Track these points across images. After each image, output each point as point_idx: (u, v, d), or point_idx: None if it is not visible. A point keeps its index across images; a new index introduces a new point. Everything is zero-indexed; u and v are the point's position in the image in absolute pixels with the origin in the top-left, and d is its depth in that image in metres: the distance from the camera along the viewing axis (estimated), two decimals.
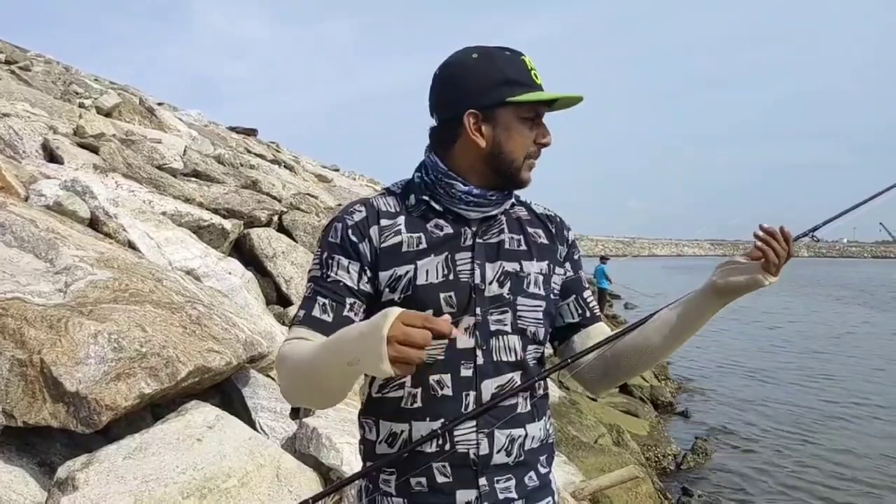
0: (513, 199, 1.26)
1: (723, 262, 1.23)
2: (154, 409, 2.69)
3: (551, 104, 1.19)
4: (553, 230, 1.29)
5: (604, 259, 16.98)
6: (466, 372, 1.14)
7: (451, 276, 1.15)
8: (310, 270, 1.20)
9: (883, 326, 17.29)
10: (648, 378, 9.23)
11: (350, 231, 1.17)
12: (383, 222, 1.18)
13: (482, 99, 1.15)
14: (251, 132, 18.06)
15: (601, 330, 1.31)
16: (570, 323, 1.31)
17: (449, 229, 1.19)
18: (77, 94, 9.61)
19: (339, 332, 1.02)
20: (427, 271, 1.15)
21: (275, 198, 7.28)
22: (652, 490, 4.89)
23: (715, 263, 1.25)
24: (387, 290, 1.16)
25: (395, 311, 0.91)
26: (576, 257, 1.32)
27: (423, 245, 1.17)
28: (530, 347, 1.20)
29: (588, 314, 1.31)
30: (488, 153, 1.17)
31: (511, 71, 1.16)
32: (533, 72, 1.18)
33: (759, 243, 1.18)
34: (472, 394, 1.14)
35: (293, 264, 5.40)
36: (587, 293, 1.34)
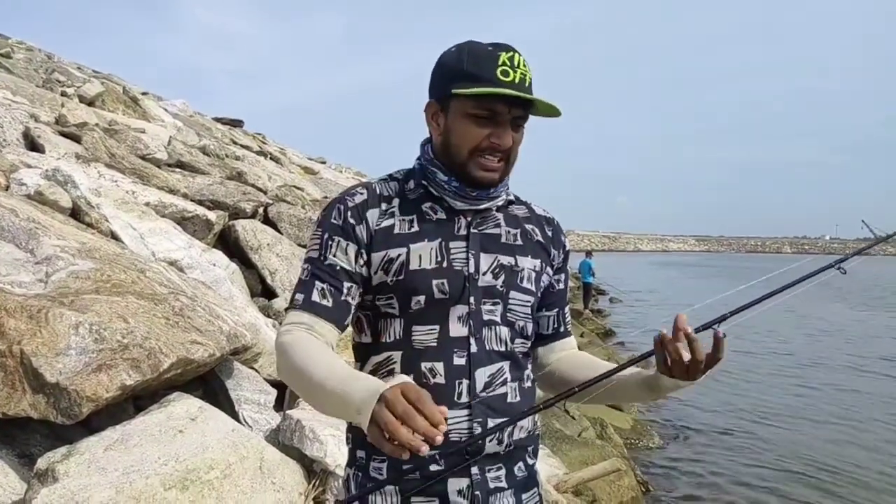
0: (507, 196, 1.26)
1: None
2: (136, 401, 2.68)
3: (525, 107, 1.15)
4: (550, 234, 1.30)
5: (589, 254, 17.08)
6: (460, 360, 1.14)
7: (444, 264, 1.16)
8: (308, 250, 1.20)
9: (866, 323, 17.57)
10: None
11: (350, 213, 1.18)
12: (382, 206, 1.20)
13: (439, 90, 1.18)
14: (237, 123, 17.93)
15: (569, 344, 1.35)
16: (543, 334, 1.33)
17: (442, 215, 1.20)
18: (59, 82, 9.48)
19: (346, 374, 1.01)
20: (420, 256, 1.16)
21: (260, 189, 7.24)
22: (634, 482, 4.94)
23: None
24: (380, 272, 1.16)
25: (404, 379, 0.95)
26: (566, 268, 1.34)
27: (416, 228, 1.18)
28: (518, 340, 1.21)
29: (562, 329, 1.35)
30: (442, 144, 1.19)
31: (470, 64, 1.12)
32: (502, 69, 1.11)
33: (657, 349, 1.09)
34: (466, 382, 1.14)
35: (278, 256, 5.37)
36: (567, 308, 1.36)
